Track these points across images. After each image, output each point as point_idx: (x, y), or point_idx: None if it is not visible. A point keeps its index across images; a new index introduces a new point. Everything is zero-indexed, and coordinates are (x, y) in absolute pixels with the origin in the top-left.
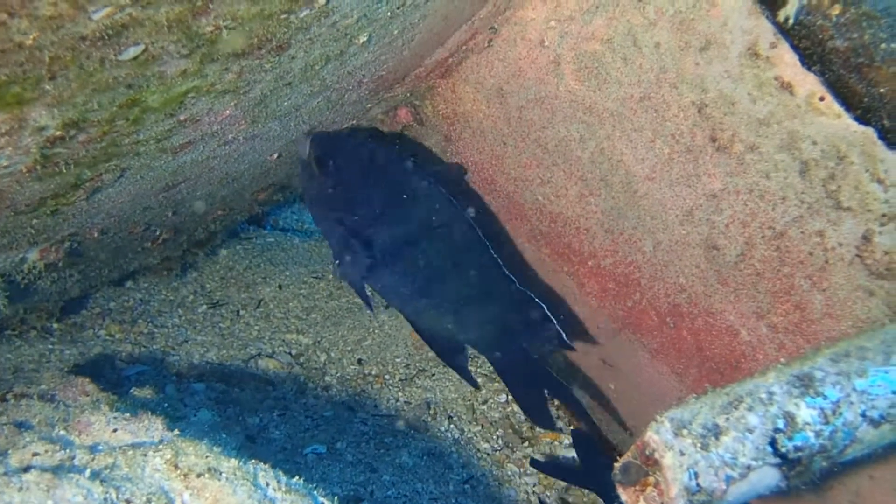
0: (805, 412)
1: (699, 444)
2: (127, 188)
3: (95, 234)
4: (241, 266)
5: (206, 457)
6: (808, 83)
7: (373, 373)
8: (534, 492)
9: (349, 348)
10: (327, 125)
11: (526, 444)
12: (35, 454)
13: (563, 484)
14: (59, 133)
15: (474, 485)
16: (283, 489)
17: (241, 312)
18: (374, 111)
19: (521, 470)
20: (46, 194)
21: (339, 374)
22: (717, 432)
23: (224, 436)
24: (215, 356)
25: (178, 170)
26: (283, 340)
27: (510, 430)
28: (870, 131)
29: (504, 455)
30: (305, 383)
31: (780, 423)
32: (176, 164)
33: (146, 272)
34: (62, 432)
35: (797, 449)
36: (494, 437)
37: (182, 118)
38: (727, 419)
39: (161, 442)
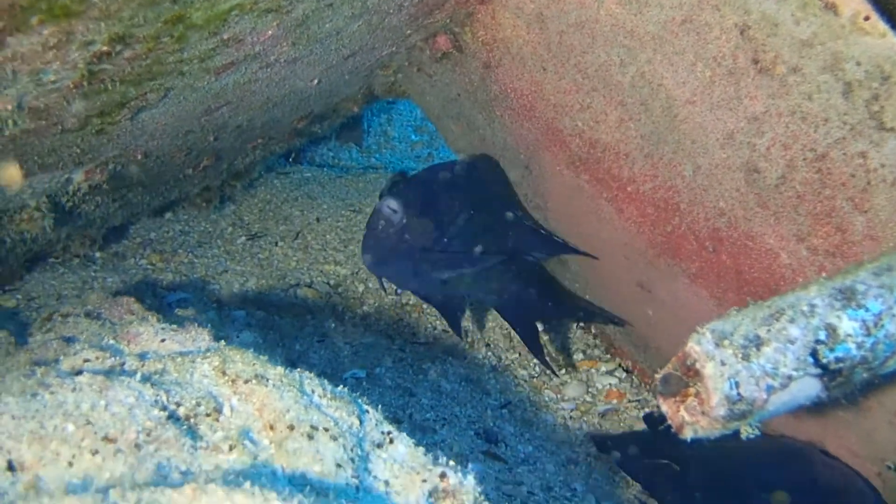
0: (847, 324)
1: (740, 355)
2: (170, 109)
3: (139, 157)
4: (279, 199)
5: (253, 364)
6: (853, 3)
7: (410, 302)
8: (571, 416)
9: None
10: (367, 50)
11: (563, 371)
12: (86, 360)
13: (598, 410)
14: (105, 48)
15: (511, 409)
16: (329, 396)
17: (280, 244)
18: (413, 38)
19: (558, 396)
20: (92, 112)
21: (376, 304)
22: (758, 343)
23: (266, 356)
24: (255, 285)
25: (220, 92)
26: (321, 271)
27: (548, 358)
28: None
29: (541, 381)
30: (344, 312)
31: (822, 335)
32: (218, 86)
33: (185, 204)
34: (111, 341)
35: (838, 360)
36: (531, 364)
37: (225, 37)
38: (768, 330)
39: (208, 351)
